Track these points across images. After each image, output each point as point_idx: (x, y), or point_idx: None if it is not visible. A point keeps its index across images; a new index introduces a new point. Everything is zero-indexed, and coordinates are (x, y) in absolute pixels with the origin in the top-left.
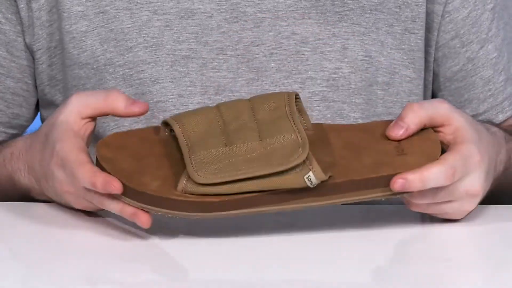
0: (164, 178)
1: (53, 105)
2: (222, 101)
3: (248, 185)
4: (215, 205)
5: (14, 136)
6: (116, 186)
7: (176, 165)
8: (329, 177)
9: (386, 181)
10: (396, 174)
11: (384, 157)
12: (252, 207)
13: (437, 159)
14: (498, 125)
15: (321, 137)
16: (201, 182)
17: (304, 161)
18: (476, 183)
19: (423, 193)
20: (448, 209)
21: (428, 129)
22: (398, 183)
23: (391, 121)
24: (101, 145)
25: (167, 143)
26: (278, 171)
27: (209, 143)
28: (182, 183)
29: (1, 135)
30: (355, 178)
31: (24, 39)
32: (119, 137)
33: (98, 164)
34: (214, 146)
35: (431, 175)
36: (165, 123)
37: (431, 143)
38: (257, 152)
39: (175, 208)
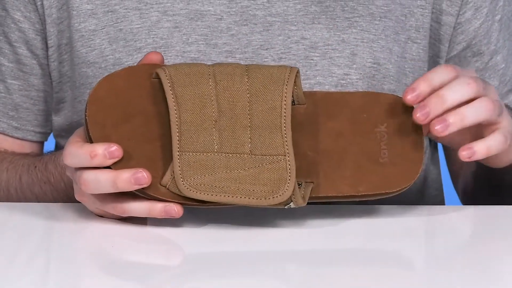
0: (150, 160)
1: (63, 103)
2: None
3: (230, 200)
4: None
5: (43, 136)
6: (118, 149)
7: (163, 136)
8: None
9: (362, 196)
10: (373, 194)
11: (366, 163)
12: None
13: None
14: None
15: (311, 120)
16: (185, 194)
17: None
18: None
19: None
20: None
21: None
22: (422, 116)
23: (379, 94)
24: (92, 101)
25: (155, 93)
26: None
27: (199, 140)
28: (168, 179)
29: (32, 135)
30: (332, 195)
31: (42, 38)
32: (109, 83)
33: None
34: (204, 147)
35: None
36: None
37: (414, 142)
38: (245, 170)
39: (157, 199)
